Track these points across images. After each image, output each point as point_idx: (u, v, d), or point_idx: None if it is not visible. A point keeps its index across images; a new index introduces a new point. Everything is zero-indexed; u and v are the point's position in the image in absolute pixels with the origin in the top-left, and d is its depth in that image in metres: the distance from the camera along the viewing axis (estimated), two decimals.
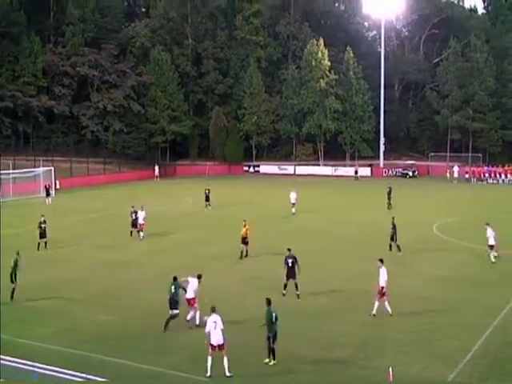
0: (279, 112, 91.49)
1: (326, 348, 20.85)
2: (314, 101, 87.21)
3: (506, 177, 75.36)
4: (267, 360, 19.64)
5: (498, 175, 75.85)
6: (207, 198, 52.85)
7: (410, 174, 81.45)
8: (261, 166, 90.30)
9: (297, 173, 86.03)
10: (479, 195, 62.92)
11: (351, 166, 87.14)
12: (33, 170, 66.73)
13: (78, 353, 20.28)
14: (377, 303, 23.81)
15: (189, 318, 23.28)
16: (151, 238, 39.56)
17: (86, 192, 67.36)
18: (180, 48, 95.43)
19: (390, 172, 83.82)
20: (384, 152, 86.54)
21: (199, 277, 24.02)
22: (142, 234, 39.45)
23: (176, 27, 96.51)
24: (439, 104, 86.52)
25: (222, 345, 18.80)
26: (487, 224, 33.12)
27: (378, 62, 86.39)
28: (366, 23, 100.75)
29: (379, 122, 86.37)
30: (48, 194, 59.94)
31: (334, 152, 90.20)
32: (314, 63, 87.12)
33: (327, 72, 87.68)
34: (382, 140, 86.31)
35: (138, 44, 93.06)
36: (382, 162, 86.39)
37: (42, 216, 37.82)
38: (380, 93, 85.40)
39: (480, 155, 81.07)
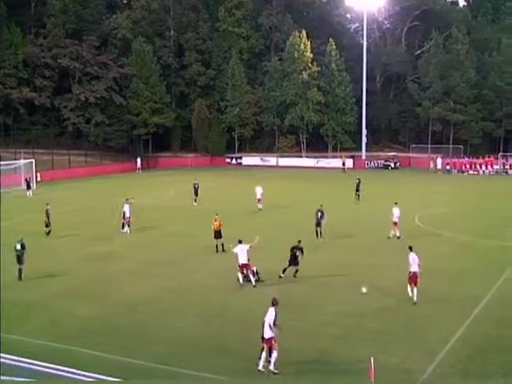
0: (262, 104, 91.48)
1: (308, 339, 20.96)
2: (297, 93, 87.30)
3: (487, 168, 76.04)
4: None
5: (478, 166, 76.48)
6: (196, 192, 50.73)
7: (392, 165, 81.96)
8: (243, 158, 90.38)
9: (279, 164, 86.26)
10: (460, 186, 63.42)
11: (333, 157, 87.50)
12: (13, 162, 66.09)
13: (62, 347, 20.23)
14: (409, 288, 24.42)
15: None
16: (135, 231, 39.43)
17: (68, 184, 67.01)
18: (162, 40, 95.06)
19: (372, 164, 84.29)
20: (366, 144, 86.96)
21: (240, 241, 27.15)
22: (126, 228, 39.16)
23: (158, 19, 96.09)
24: (420, 96, 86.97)
25: (269, 339, 18.46)
26: (395, 203, 36.21)
27: (360, 54, 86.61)
28: (348, 15, 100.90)
29: (361, 114, 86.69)
30: (28, 187, 59.55)
31: (317, 144, 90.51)
32: (296, 55, 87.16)
33: (309, 64, 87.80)
34: (364, 132, 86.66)
35: (120, 35, 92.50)
36: (364, 153, 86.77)
37: (47, 205, 38.83)
38: (362, 85, 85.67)
39: (461, 147, 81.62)
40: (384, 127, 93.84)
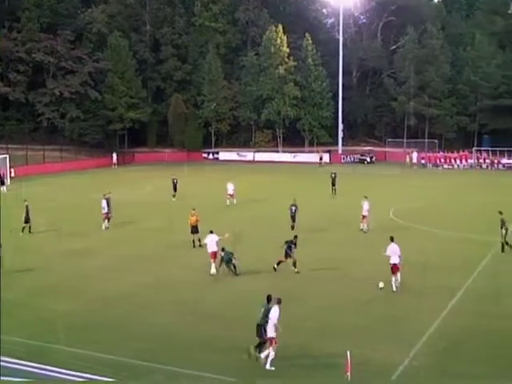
0: (238, 99, 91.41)
1: (284, 332, 21.00)
2: (273, 87, 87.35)
3: (461, 162, 76.78)
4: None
5: (453, 161, 77.20)
6: (175, 188, 50.56)
7: (368, 159, 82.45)
8: (220, 153, 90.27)
9: (256, 159, 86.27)
10: (435, 180, 63.99)
11: (310, 152, 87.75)
12: None
13: (38, 344, 20.07)
14: (393, 278, 24.91)
15: None
16: (112, 226, 39.20)
17: (43, 180, 66.35)
18: (138, 34, 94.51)
19: (349, 158, 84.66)
20: (342, 138, 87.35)
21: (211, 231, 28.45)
22: (105, 223, 38.93)
23: (134, 13, 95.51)
24: (396, 90, 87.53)
25: (271, 338, 18.37)
26: (365, 197, 37.00)
27: (336, 48, 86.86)
28: (324, 10, 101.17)
29: (337, 109, 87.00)
30: (2, 183, 59.07)
31: (293, 138, 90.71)
32: (272, 50, 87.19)
33: (286, 59, 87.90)
34: (341, 126, 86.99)
35: (95, 30, 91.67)
36: (340, 148, 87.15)
37: (25, 201, 38.77)
38: (338, 80, 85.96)
39: (436, 141, 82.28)
40: (360, 122, 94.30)
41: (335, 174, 52.69)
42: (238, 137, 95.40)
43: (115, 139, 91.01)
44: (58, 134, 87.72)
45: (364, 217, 36.35)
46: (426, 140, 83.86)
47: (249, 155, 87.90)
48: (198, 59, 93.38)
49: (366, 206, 36.43)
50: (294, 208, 37.06)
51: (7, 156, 66.20)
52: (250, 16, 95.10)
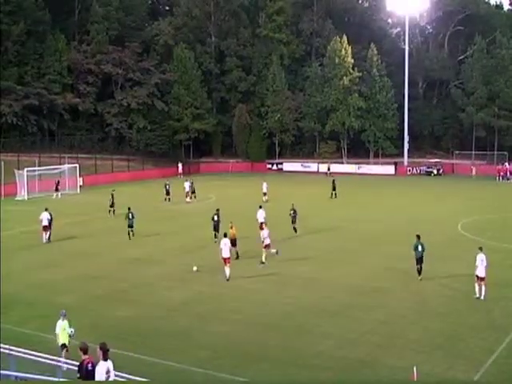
0: (302, 109, 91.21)
1: (347, 346, 20.71)
2: (338, 98, 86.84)
3: None
4: (419, 277, 27.53)
5: None
6: (193, 191, 56.78)
7: (435, 172, 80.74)
8: (284, 164, 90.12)
9: (320, 170, 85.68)
10: (505, 194, 62.15)
11: (375, 163, 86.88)
12: (58, 166, 67.34)
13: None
14: (477, 287, 24.97)
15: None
16: (172, 235, 39.66)
17: (111, 189, 67.31)
18: (203, 46, 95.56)
19: (415, 170, 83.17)
20: (408, 150, 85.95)
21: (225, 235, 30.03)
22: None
23: (199, 25, 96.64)
24: (464, 101, 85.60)
25: None
26: (260, 206, 39.67)
27: (401, 59, 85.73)
28: (389, 20, 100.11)
29: (403, 120, 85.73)
30: (56, 190, 61.73)
31: (358, 150, 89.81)
32: (337, 60, 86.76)
33: (350, 69, 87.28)
34: (406, 138, 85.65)
35: (162, 42, 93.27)
36: (406, 160, 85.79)
37: (113, 190, 47.67)
38: (404, 90, 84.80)
39: (506, 153, 79.97)
40: (426, 133, 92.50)
41: (334, 179, 59.08)
42: (302, 147, 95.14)
43: (181, 149, 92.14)
44: (125, 143, 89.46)
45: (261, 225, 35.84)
46: (496, 152, 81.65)
47: (313, 166, 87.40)
48: (262, 70, 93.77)
49: (261, 214, 38.04)
50: (292, 212, 39.46)
51: (77, 165, 67.95)
52: (314, 27, 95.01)
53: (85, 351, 14.24)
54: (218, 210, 38.96)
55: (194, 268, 29.89)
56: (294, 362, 19.35)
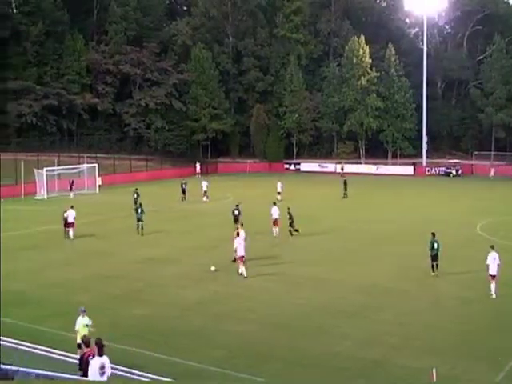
0: (320, 110, 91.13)
1: (363, 347, 20.69)
2: (356, 98, 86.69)
3: None
4: (433, 273, 28.06)
5: None
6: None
7: (454, 172, 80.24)
8: (302, 164, 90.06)
9: (338, 171, 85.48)
10: None
11: (393, 164, 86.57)
12: (77, 166, 67.88)
13: (119, 347, 20.44)
14: (492, 286, 25.13)
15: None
16: (188, 234, 39.84)
17: (129, 189, 67.54)
18: (221, 46, 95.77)
19: (433, 171, 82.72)
20: (427, 151, 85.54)
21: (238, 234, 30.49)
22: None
23: (217, 25, 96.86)
24: (483, 102, 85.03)
25: None
26: (274, 203, 40.87)
27: (420, 59, 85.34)
28: (407, 20, 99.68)
29: (421, 120, 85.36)
30: (71, 189, 62.35)
31: (376, 150, 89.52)
32: (355, 60, 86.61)
33: (368, 69, 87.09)
34: (425, 138, 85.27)
35: (180, 42, 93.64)
36: (424, 160, 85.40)
37: (136, 189, 49.25)
38: (422, 90, 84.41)
39: None
40: (445, 134, 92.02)
41: (345, 179, 59.14)
42: (320, 148, 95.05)
43: (198, 149, 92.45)
44: (143, 143, 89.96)
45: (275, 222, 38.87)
46: None
47: (330, 166, 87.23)
48: (280, 70, 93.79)
49: (275, 211, 39.06)
50: (288, 217, 39.19)
51: (96, 165, 68.37)
52: (332, 27, 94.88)
53: (86, 344, 14.57)
54: (238, 203, 40.78)
55: (212, 268, 29.96)
56: (310, 363, 19.37)
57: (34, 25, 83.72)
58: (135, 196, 50.26)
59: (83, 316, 19.41)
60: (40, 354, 17.40)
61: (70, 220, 39.94)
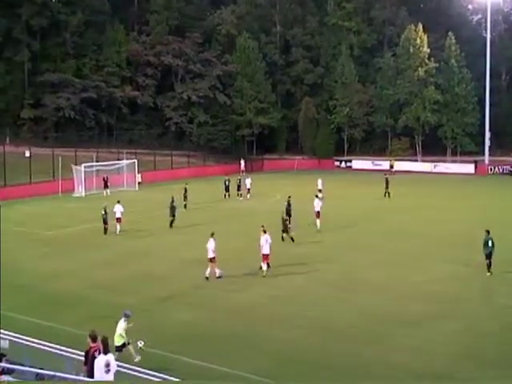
0: (373, 103, 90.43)
1: (422, 358, 20.33)
2: (412, 91, 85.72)
3: None
4: (488, 273, 28.51)
5: None
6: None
7: None
8: (353, 161, 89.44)
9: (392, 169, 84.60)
10: None
11: (453, 162, 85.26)
12: (116, 162, 68.48)
13: (160, 353, 20.52)
14: None
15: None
16: (235, 235, 39.87)
17: (170, 186, 67.81)
18: (267, 35, 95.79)
19: (497, 169, 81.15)
20: (489, 147, 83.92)
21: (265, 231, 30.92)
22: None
23: (263, 14, 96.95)
24: None
25: None
26: (316, 196, 43.49)
27: (483, 48, 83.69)
28: (469, 6, 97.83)
29: (484, 115, 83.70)
30: (106, 187, 62.37)
31: (434, 147, 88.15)
32: (411, 50, 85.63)
33: (426, 60, 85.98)
34: (488, 134, 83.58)
35: (224, 32, 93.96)
36: (487, 158, 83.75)
37: (186, 184, 51.73)
38: (485, 82, 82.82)
39: None
40: (510, 130, 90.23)
41: (387, 178, 58.14)
42: (373, 144, 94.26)
43: (243, 145, 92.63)
44: (185, 139, 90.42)
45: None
46: None
47: (384, 164, 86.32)
48: (331, 61, 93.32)
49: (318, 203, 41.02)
50: (286, 204, 41.12)
51: (136, 161, 68.88)
52: (387, 14, 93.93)
53: (93, 339, 14.88)
54: (289, 197, 42.07)
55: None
56: (363, 374, 19.14)
57: (73, 14, 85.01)
58: (184, 192, 51.73)
59: (124, 321, 19.85)
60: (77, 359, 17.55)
61: (118, 215, 41.65)
